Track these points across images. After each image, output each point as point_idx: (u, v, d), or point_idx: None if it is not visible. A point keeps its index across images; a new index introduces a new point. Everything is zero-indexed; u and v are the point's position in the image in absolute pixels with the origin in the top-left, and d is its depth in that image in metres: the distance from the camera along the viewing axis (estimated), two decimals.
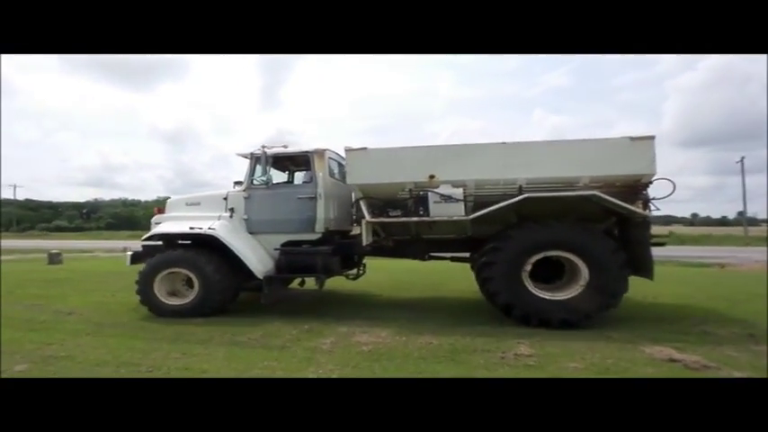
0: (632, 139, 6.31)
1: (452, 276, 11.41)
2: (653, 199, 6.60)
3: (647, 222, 6.52)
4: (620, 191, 6.48)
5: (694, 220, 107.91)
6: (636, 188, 6.52)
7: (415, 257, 7.88)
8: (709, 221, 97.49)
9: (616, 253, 6.30)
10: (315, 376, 4.39)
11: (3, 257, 19.86)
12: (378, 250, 7.72)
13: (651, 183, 6.54)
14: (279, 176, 8.16)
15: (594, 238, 6.38)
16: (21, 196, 75.33)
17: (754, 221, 68.86)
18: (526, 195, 6.39)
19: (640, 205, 6.49)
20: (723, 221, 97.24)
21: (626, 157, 6.33)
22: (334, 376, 4.38)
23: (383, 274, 11.67)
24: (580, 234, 6.37)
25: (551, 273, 6.70)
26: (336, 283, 10.01)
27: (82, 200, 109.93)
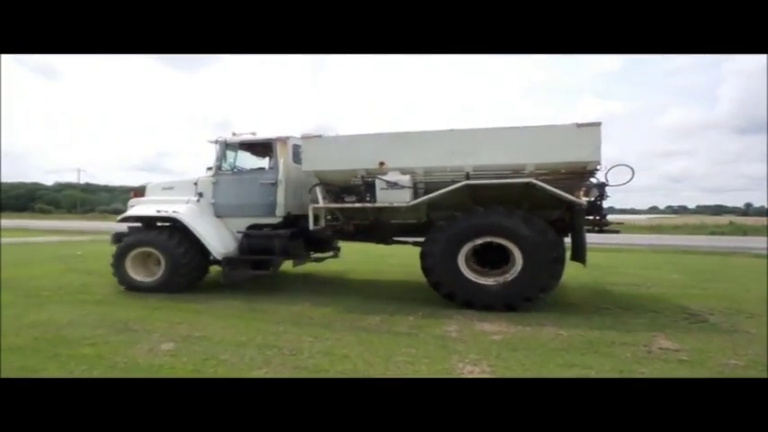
0: (578, 125, 6.25)
1: None
2: (603, 185, 6.66)
3: (583, 209, 6.55)
4: (566, 178, 6.47)
5: (748, 210, 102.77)
6: (582, 175, 6.51)
7: (377, 242, 8.13)
8: (764, 211, 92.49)
9: (549, 240, 6.34)
10: (461, 365, 4.28)
11: (77, 238, 20.88)
12: (339, 234, 7.99)
13: (597, 170, 6.51)
14: (258, 162, 8.53)
15: (527, 224, 6.38)
16: (81, 180, 78.57)
17: None
18: (464, 182, 6.49)
19: (582, 192, 6.51)
20: None
21: (571, 144, 6.27)
22: (485, 367, 4.25)
23: None
24: (511, 220, 6.40)
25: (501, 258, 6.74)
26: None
27: (136, 184, 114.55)
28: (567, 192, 6.36)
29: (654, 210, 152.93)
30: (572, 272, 9.96)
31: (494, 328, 5.62)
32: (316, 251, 8.61)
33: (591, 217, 7.07)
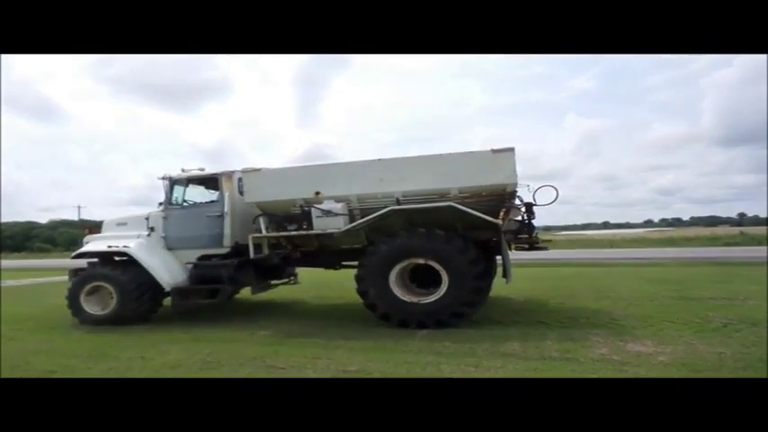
0: (494, 151, 6.68)
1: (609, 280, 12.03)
2: (530, 205, 7.11)
3: (501, 229, 6.82)
4: (488, 200, 6.86)
5: (742, 220, 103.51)
6: (503, 197, 6.90)
7: (325, 267, 8.53)
8: (758, 221, 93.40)
9: (469, 257, 6.62)
10: None
11: None
12: (286, 261, 8.30)
13: (516, 192, 6.95)
14: (210, 196, 8.63)
15: (449, 245, 6.67)
16: (75, 216, 78.50)
17: None
18: (389, 208, 6.88)
19: (504, 213, 6.89)
20: None
21: (489, 168, 6.69)
22: None
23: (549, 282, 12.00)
24: (434, 242, 6.71)
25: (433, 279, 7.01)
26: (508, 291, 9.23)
27: None
28: (491, 213, 6.73)
29: (649, 223, 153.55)
30: (652, 289, 10.16)
31: (643, 348, 5.48)
32: (272, 279, 8.92)
33: (523, 235, 7.42)
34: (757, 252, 20.38)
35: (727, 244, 28.63)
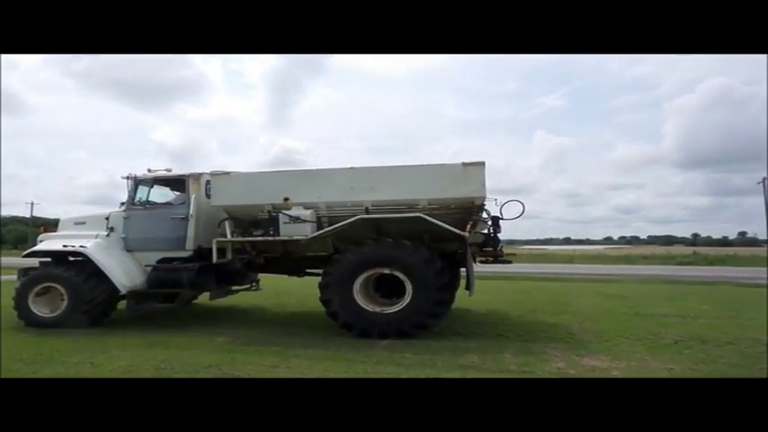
0: (465, 164, 6.79)
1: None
2: (497, 219, 7.22)
3: (467, 241, 6.87)
4: (457, 212, 6.95)
5: (696, 241, 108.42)
6: (471, 209, 7.02)
7: (289, 274, 8.45)
8: (710, 242, 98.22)
9: (434, 269, 6.66)
10: None
11: None
12: (249, 266, 8.20)
13: (484, 205, 7.05)
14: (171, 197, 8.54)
15: (416, 256, 6.69)
16: (27, 213, 75.07)
17: (755, 242, 70.09)
18: (358, 217, 6.88)
19: (471, 226, 6.97)
20: (724, 242, 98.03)
21: (459, 181, 6.79)
22: None
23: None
24: (400, 253, 6.72)
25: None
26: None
27: None
28: (458, 225, 6.78)
29: (608, 240, 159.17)
30: (609, 305, 10.38)
31: (598, 363, 5.59)
32: (233, 284, 8.73)
33: (488, 249, 7.51)
34: (708, 272, 21.29)
35: (681, 263, 29.56)
